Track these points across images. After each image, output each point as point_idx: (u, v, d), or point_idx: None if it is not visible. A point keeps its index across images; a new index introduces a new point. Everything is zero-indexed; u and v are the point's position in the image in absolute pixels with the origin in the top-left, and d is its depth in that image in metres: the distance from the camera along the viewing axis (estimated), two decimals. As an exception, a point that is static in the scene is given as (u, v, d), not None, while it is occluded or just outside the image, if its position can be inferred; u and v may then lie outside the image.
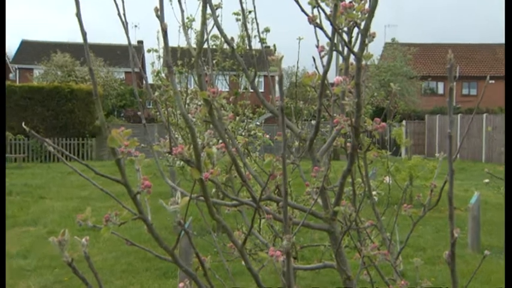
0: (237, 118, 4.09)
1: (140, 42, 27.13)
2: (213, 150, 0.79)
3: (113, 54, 26.60)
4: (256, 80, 1.36)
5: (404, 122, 17.34)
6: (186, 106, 4.30)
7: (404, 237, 1.37)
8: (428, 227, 5.67)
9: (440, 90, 25.99)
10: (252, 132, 3.21)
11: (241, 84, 4.44)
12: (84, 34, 0.70)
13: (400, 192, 1.98)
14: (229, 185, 1.20)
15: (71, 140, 14.48)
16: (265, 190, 1.03)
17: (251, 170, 1.09)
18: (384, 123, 0.98)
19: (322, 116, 1.16)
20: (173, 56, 4.71)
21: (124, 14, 0.87)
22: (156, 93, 4.10)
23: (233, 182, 1.20)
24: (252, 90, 2.62)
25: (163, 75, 4.69)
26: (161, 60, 4.80)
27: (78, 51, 20.64)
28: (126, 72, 26.41)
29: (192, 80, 4.79)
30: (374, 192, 1.72)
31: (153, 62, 4.75)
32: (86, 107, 14.85)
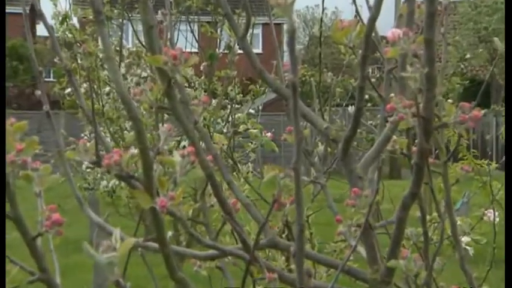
0: (215, 102, 4.12)
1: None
2: (175, 158, 0.83)
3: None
4: (250, 32, 1.39)
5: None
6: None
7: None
8: None
9: None
10: (242, 128, 3.25)
11: (222, 41, 4.48)
12: None
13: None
14: (202, 221, 1.24)
15: None
16: (265, 230, 1.07)
17: (240, 194, 1.13)
18: (478, 112, 1.01)
19: (368, 98, 1.20)
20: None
21: None
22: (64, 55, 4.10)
23: (208, 216, 1.24)
24: (240, 52, 2.66)
25: (75, 22, 4.71)
26: (71, -4, 4.81)
27: None
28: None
29: (130, 31, 4.82)
30: (465, 238, 1.77)
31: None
32: None
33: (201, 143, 1.06)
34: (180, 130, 0.97)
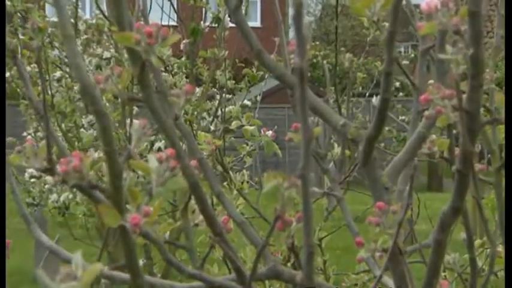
0: (199, 91, 4.12)
1: None
2: (150, 164, 0.84)
3: None
4: (245, 0, 1.41)
5: None
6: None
7: None
8: None
9: None
10: (234, 125, 3.26)
11: (208, 11, 4.49)
12: None
13: None
14: (183, 244, 1.26)
15: None
16: (265, 255, 1.08)
17: (233, 209, 1.15)
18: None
19: (399, 86, 1.22)
20: None
21: None
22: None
23: (191, 238, 1.26)
24: (232, 25, 2.67)
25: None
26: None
27: None
28: None
29: (89, -2, 4.82)
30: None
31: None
32: None
33: (183, 144, 1.07)
34: (154, 128, 0.99)
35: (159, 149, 3.97)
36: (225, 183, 2.60)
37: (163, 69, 3.94)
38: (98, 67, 4.38)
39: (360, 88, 4.89)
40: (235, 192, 2.53)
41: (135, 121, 0.93)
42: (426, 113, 1.02)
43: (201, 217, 1.15)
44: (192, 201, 1.15)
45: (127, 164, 0.85)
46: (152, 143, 4.06)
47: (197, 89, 4.03)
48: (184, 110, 3.50)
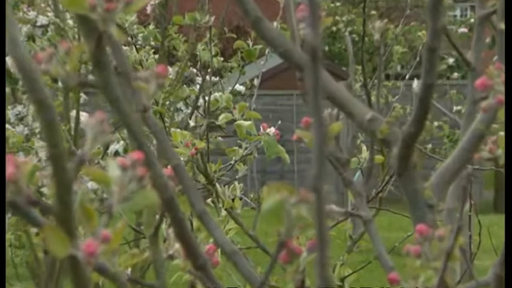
0: (173, 71, 4.12)
1: None
2: (111, 172, 0.85)
3: None
4: None
5: None
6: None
7: None
8: None
9: None
10: (223, 119, 3.28)
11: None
12: None
13: None
14: (152, 284, 1.29)
15: None
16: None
17: (220, 235, 1.18)
18: None
19: (451, 63, 1.23)
20: None
21: None
22: None
23: (163, 275, 1.30)
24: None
25: None
26: None
27: None
28: None
29: None
30: None
31: None
32: None
33: (153, 146, 1.09)
34: (118, 123, 1.01)
35: (117, 153, 3.91)
36: (209, 200, 2.60)
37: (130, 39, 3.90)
38: (30, 37, 4.37)
39: (399, 67, 4.87)
40: (223, 212, 2.53)
41: (84, 114, 0.95)
42: (483, 103, 1.03)
43: (176, 246, 1.16)
44: (165, 225, 1.16)
45: (81, 171, 0.86)
46: (107, 145, 4.05)
47: (170, 69, 4.01)
48: (155, 99, 3.50)
